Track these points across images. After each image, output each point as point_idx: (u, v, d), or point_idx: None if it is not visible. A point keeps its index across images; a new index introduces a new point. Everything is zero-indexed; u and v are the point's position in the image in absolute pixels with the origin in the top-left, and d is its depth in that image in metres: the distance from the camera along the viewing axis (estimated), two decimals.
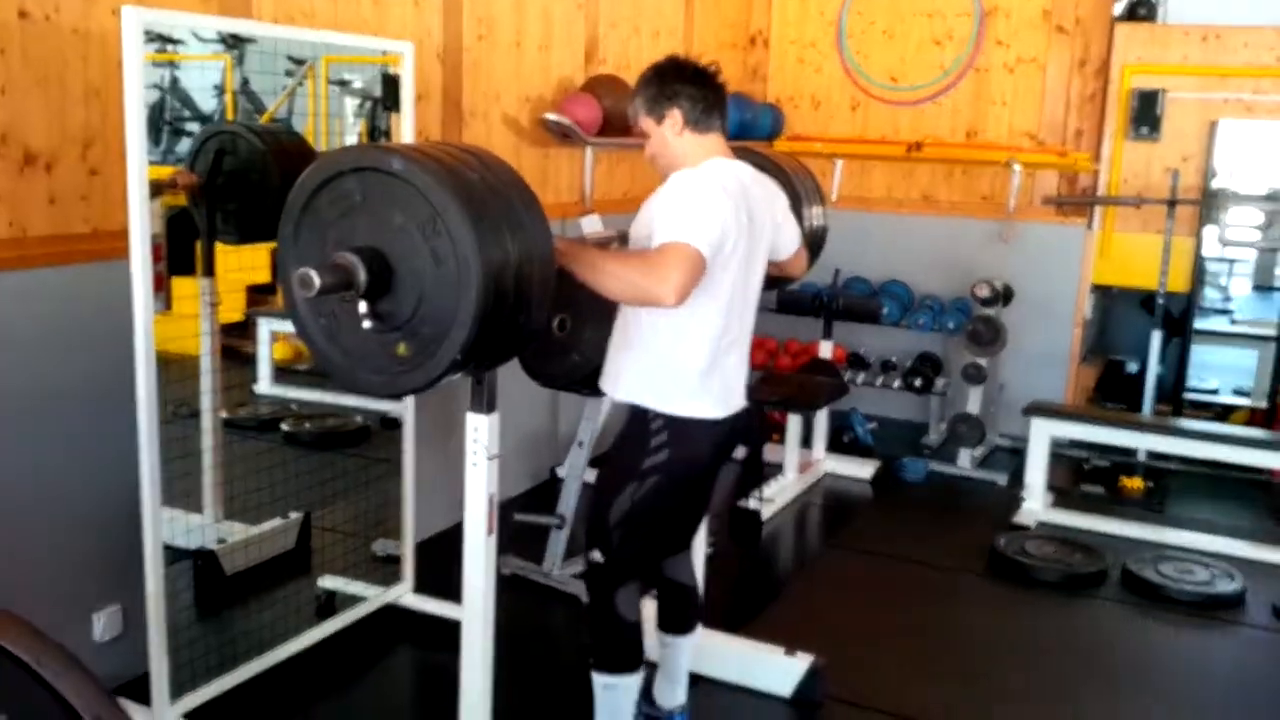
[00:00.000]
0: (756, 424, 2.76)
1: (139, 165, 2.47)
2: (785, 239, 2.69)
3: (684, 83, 2.46)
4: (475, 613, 2.29)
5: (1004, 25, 5.89)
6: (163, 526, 2.67)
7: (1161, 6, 5.69)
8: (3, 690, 1.14)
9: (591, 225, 2.61)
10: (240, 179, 3.42)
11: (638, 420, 2.49)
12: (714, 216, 2.30)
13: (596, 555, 2.56)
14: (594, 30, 4.85)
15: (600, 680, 2.61)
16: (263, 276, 4.67)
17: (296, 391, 4.92)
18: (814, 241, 3.21)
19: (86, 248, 2.78)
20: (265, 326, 4.81)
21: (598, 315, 2.64)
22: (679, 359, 2.43)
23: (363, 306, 1.91)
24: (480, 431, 2.20)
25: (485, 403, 2.19)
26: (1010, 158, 5.70)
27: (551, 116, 4.29)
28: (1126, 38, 5.60)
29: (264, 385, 4.74)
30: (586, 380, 3.55)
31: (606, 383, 2.56)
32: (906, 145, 5.97)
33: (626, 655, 2.60)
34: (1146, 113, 5.53)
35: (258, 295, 4.42)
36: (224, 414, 3.79)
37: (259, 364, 4.71)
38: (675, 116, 2.45)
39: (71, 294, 2.76)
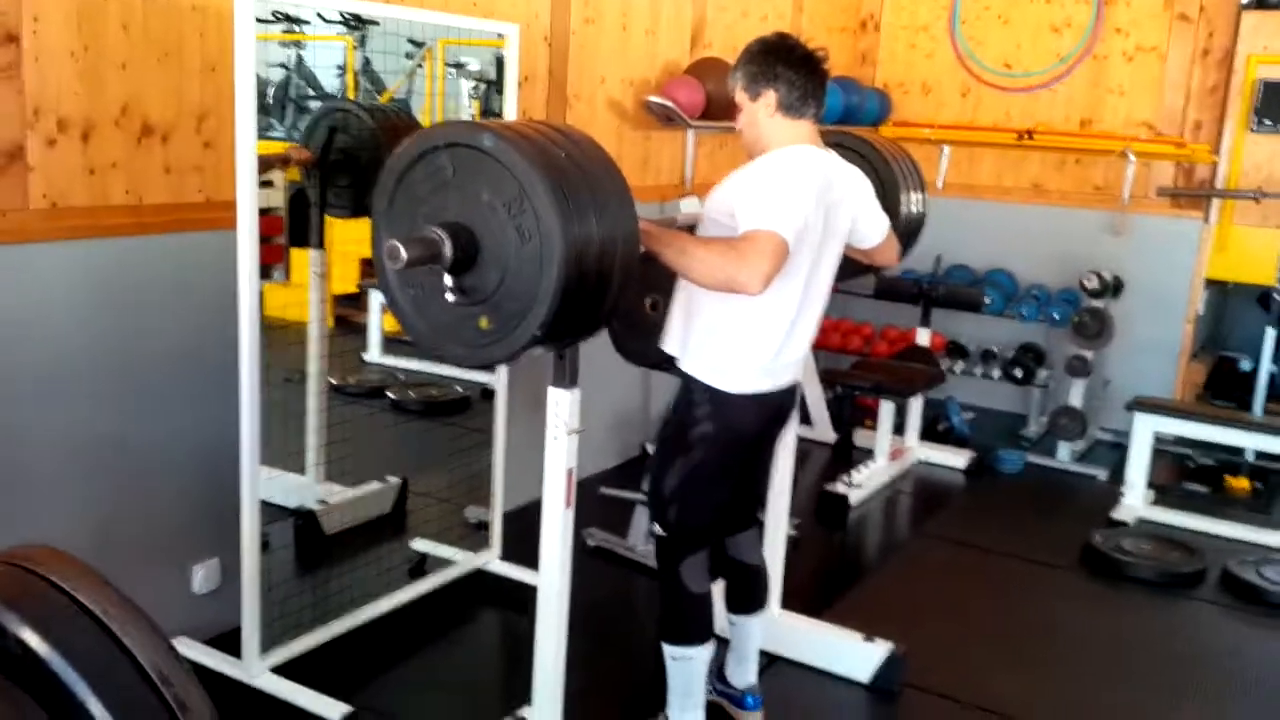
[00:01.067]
0: (845, 409, 2.78)
1: (248, 139, 2.59)
2: (869, 228, 2.69)
3: (786, 65, 2.46)
4: (551, 582, 2.35)
5: (1124, 13, 5.69)
6: (263, 485, 2.81)
7: None
8: (70, 637, 1.19)
9: (690, 206, 2.64)
10: (351, 155, 3.54)
11: (685, 391, 2.56)
12: (799, 204, 2.31)
13: (658, 529, 2.63)
14: (701, 13, 4.86)
15: (670, 652, 2.66)
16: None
17: (403, 361, 5.09)
18: (911, 228, 3.20)
19: (199, 216, 2.92)
20: (376, 298, 4.99)
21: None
22: (749, 342, 2.47)
23: (447, 280, 1.98)
24: (561, 406, 2.26)
25: (567, 378, 2.24)
26: (1126, 147, 5.54)
27: (654, 99, 4.33)
28: (1254, 27, 5.37)
29: (373, 354, 4.92)
30: (674, 362, 3.62)
31: (671, 345, 2.59)
32: (1017, 133, 5.83)
33: (694, 626, 2.64)
34: (1272, 104, 5.29)
35: (370, 268, 4.57)
36: (333, 380, 3.95)
37: (369, 333, 4.90)
38: (770, 98, 2.46)
39: (184, 260, 2.90)
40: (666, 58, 4.67)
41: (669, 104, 4.33)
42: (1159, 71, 5.65)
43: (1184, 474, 5.15)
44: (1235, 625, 3.69)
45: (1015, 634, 3.55)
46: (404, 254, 1.87)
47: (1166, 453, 5.19)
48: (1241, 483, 4.98)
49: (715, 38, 4.97)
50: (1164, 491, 4.84)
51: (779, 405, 2.64)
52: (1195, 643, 3.55)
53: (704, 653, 2.65)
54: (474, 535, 3.75)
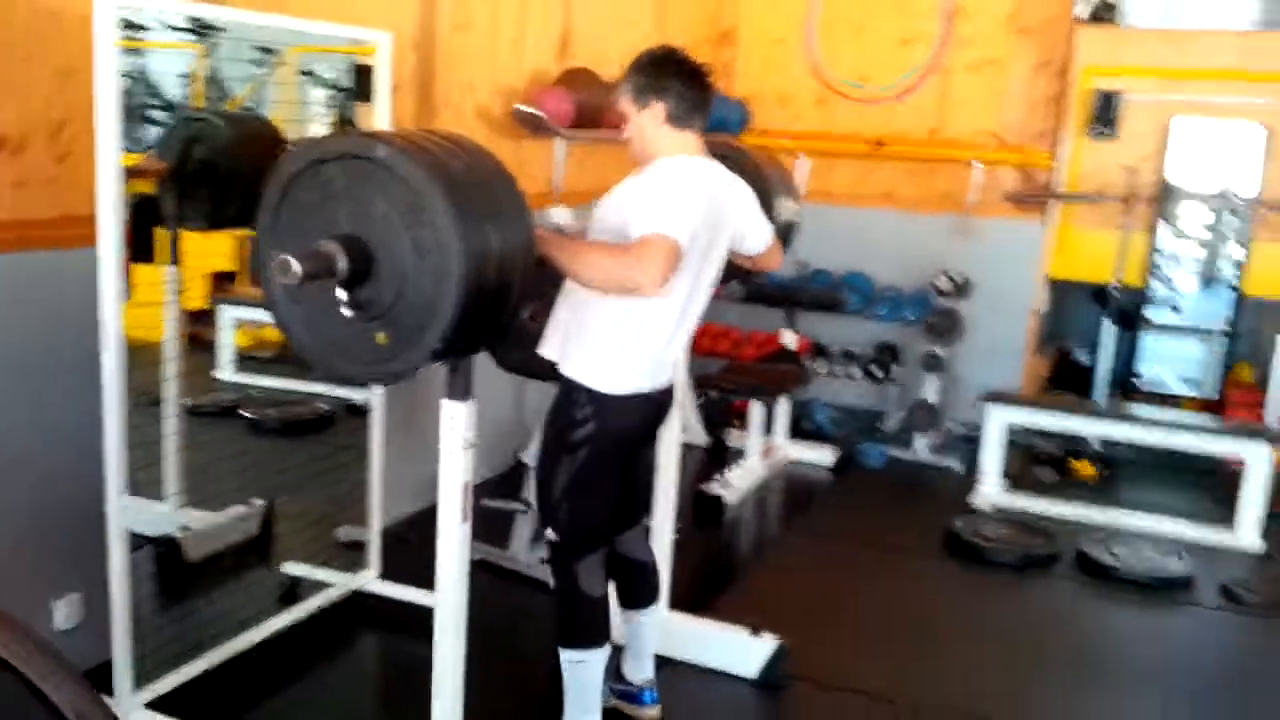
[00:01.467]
0: (716, 412, 2.84)
1: (111, 151, 2.48)
2: (754, 236, 2.78)
3: (674, 78, 2.52)
4: (449, 598, 2.32)
5: (969, 27, 5.97)
6: (110, 510, 2.68)
7: (1121, 9, 5.82)
8: None
9: (559, 216, 2.65)
10: (209, 166, 3.41)
11: (566, 394, 2.58)
12: (690, 211, 2.36)
13: (550, 534, 2.65)
14: (568, 24, 4.87)
15: (567, 656, 2.67)
16: (224, 264, 4.68)
17: (258, 378, 4.93)
18: (785, 233, 3.28)
19: (54, 233, 2.77)
20: (227, 314, 4.81)
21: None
22: (631, 344, 2.52)
23: (342, 295, 1.94)
24: (456, 419, 2.23)
25: (462, 391, 2.22)
26: (972, 156, 5.81)
27: (523, 108, 4.32)
28: (1088, 40, 5.71)
29: (226, 372, 4.74)
30: (555, 369, 3.61)
31: (550, 350, 2.63)
32: (870, 142, 6.05)
33: (591, 630, 2.66)
34: (1106, 113, 5.64)
35: (219, 283, 4.42)
36: (186, 400, 3.79)
37: (221, 351, 4.71)
38: (658, 109, 2.51)
39: (37, 280, 2.74)
40: (535, 66, 4.66)
41: (538, 113, 4.32)
42: (1002, 83, 5.95)
43: (1033, 462, 5.43)
44: (1091, 601, 3.92)
45: (890, 621, 3.69)
46: (297, 268, 1.82)
47: (1016, 443, 5.45)
48: (1087, 468, 5.29)
49: (582, 48, 4.99)
50: (1016, 479, 5.10)
51: (659, 404, 2.69)
52: (1057, 620, 3.76)
53: (601, 656, 2.67)
54: (348, 555, 3.65)
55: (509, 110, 4.48)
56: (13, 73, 2.64)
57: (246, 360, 4.99)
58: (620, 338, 2.51)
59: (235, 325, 4.94)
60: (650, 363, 2.57)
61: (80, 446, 2.65)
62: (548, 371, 3.48)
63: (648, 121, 2.51)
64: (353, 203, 1.94)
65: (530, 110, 4.33)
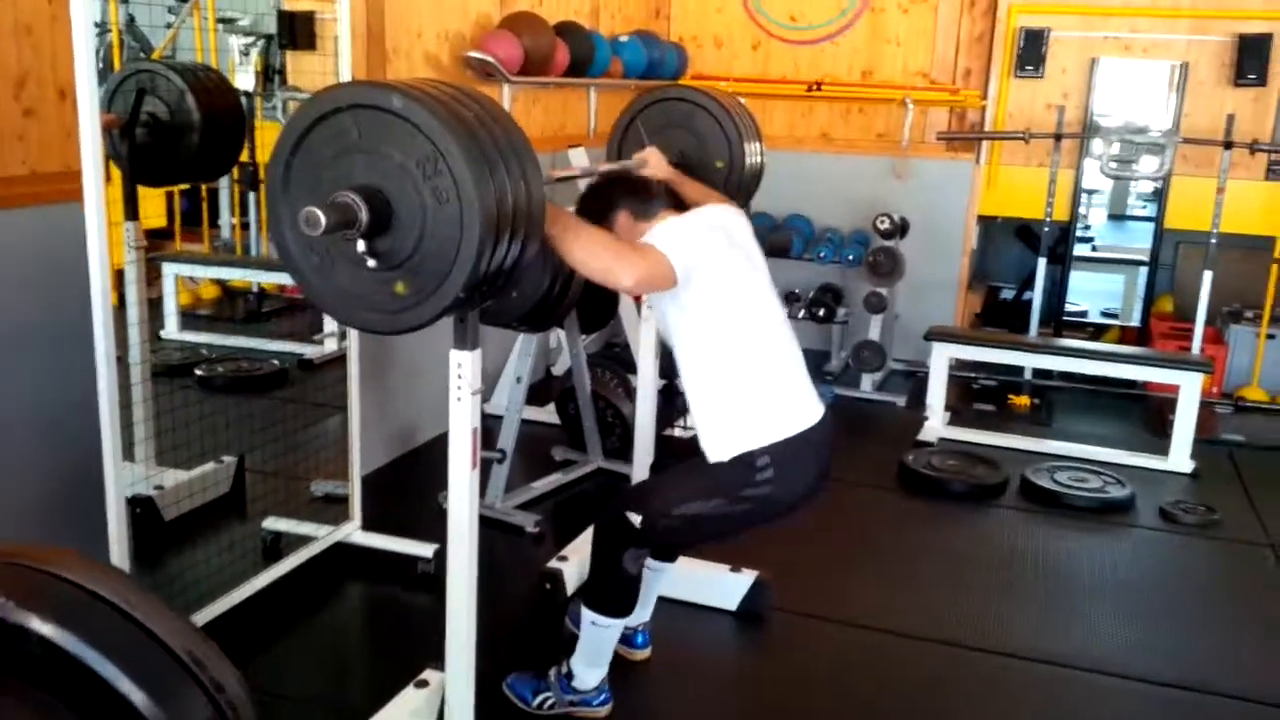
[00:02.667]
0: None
1: (90, 102, 2.41)
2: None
3: (617, 196, 2.65)
4: (461, 544, 2.36)
5: None
6: (106, 473, 2.65)
7: None
8: (97, 629, 1.15)
9: (578, 158, 2.69)
10: (161, 119, 3.34)
11: (743, 459, 2.48)
12: (694, 245, 2.45)
13: (634, 518, 2.57)
14: None
15: (591, 617, 2.69)
16: (157, 220, 4.58)
17: (204, 336, 4.86)
18: (753, 175, 3.35)
19: (24, 190, 2.71)
20: (170, 271, 4.72)
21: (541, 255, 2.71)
22: (744, 386, 2.51)
23: (361, 245, 1.94)
24: (464, 368, 2.25)
25: (469, 340, 2.24)
26: (904, 96, 5.93)
27: (475, 54, 4.28)
28: None
29: (171, 330, 4.67)
30: (526, 318, 3.64)
31: (712, 453, 2.52)
32: (807, 85, 6.13)
33: (622, 602, 2.69)
34: (1032, 51, 5.81)
35: (155, 240, 4.33)
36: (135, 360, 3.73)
37: (165, 309, 4.63)
38: (621, 220, 2.61)
39: (8, 238, 2.68)
40: (479, 10, 4.61)
41: (490, 58, 4.29)
42: (931, 23, 6.07)
43: (973, 396, 5.63)
44: (1041, 526, 4.11)
45: (856, 551, 3.84)
46: (323, 220, 1.82)
47: (956, 377, 5.66)
48: (1023, 400, 5.52)
49: None
50: (958, 413, 5.29)
51: (829, 467, 2.64)
52: (1010, 546, 3.94)
53: (622, 624, 2.72)
54: (325, 508, 3.66)
55: (456, 57, 4.44)
56: None
57: (190, 318, 4.92)
58: (742, 383, 2.51)
59: (178, 282, 4.86)
60: (790, 392, 2.57)
61: (64, 409, 2.62)
62: (519, 320, 3.52)
63: (623, 229, 2.59)
64: (368, 154, 1.93)
65: (482, 57, 4.29)
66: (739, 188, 3.29)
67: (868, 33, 6.18)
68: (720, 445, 2.50)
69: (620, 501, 2.67)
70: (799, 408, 2.56)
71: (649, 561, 2.95)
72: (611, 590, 2.68)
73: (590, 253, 2.32)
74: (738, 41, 6.40)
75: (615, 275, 2.32)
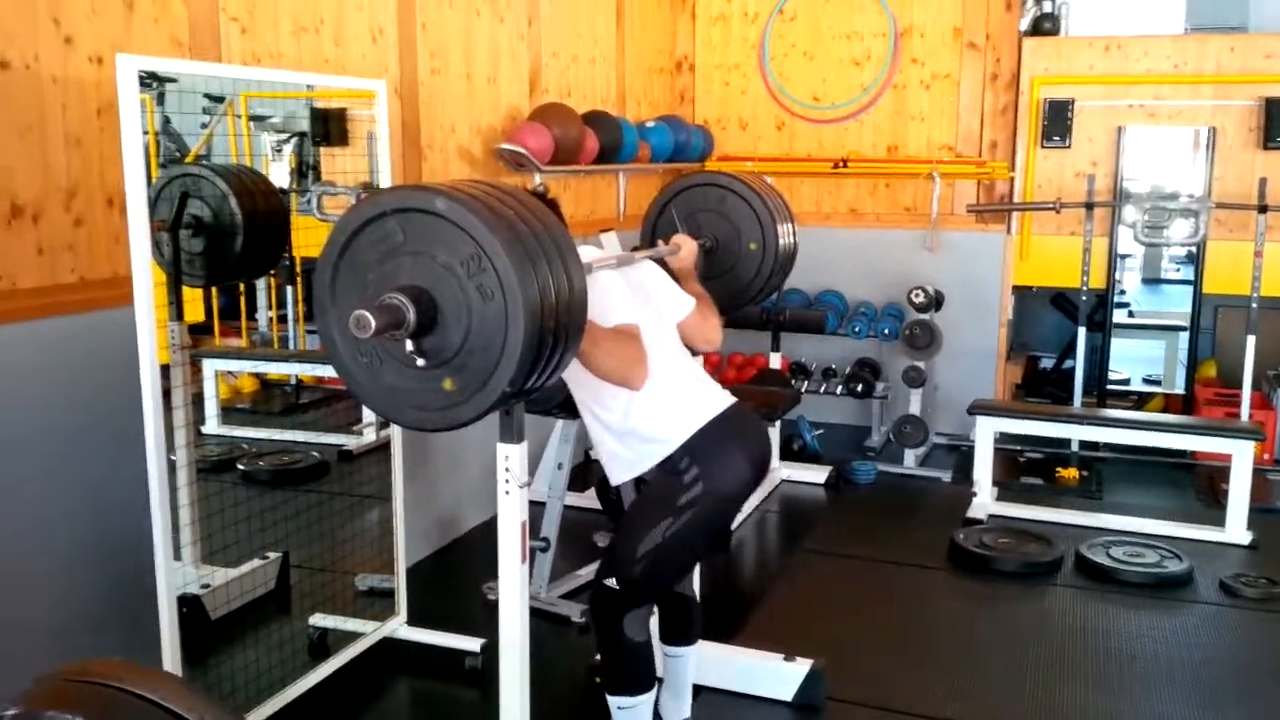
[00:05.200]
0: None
1: (140, 211, 2.46)
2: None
3: None
4: (513, 640, 2.33)
5: (919, 44, 6.15)
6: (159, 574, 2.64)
7: (1064, 20, 6.03)
8: None
9: (610, 242, 2.71)
10: (206, 220, 3.40)
11: (664, 468, 2.56)
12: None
13: (610, 583, 2.60)
14: (536, 60, 4.93)
15: (615, 703, 2.66)
16: (196, 314, 4.65)
17: (245, 430, 4.88)
18: (787, 257, 3.36)
19: (74, 297, 2.75)
20: (210, 366, 4.77)
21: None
22: (638, 402, 2.55)
23: (409, 345, 1.95)
24: (512, 460, 2.25)
25: (515, 433, 2.24)
26: (931, 169, 5.96)
27: (507, 146, 4.35)
28: (1034, 51, 5.91)
29: (211, 425, 4.69)
30: (565, 404, 3.63)
31: (614, 477, 2.69)
32: (833, 162, 6.18)
33: (638, 676, 2.65)
34: (1057, 121, 5.83)
35: (194, 335, 4.39)
36: (173, 457, 3.75)
37: (206, 404, 4.66)
38: None
39: (61, 345, 2.72)
40: (509, 104, 4.70)
41: (522, 150, 4.36)
42: (954, 97, 6.12)
43: (1020, 469, 5.55)
44: (1097, 605, 4.00)
45: (911, 636, 3.74)
46: (373, 323, 1.83)
47: (1000, 450, 5.57)
48: (1071, 472, 5.42)
49: (551, 83, 5.05)
50: (1005, 487, 5.20)
51: (760, 454, 2.67)
52: (1068, 625, 3.83)
53: (649, 699, 2.68)
54: (368, 602, 3.63)
55: (488, 149, 4.52)
56: (27, 144, 2.62)
57: (231, 413, 4.95)
58: (645, 396, 2.55)
59: (218, 378, 4.90)
60: (686, 397, 2.61)
61: (114, 511, 2.63)
62: (556, 407, 3.52)
63: None
64: (413, 255, 1.96)
65: (514, 148, 4.36)
66: (773, 269, 3.30)
67: (891, 109, 6.24)
68: (629, 466, 2.60)
69: (596, 578, 2.68)
70: (696, 407, 2.60)
71: (666, 649, 2.91)
72: (625, 664, 2.64)
73: (604, 363, 2.40)
74: (762, 122, 6.47)
75: (630, 384, 2.47)
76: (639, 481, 2.68)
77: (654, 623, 2.90)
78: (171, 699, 1.10)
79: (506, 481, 2.27)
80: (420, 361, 1.94)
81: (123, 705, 1.09)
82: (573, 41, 5.26)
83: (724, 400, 2.66)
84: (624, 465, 2.62)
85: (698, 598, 3.00)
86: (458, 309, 1.95)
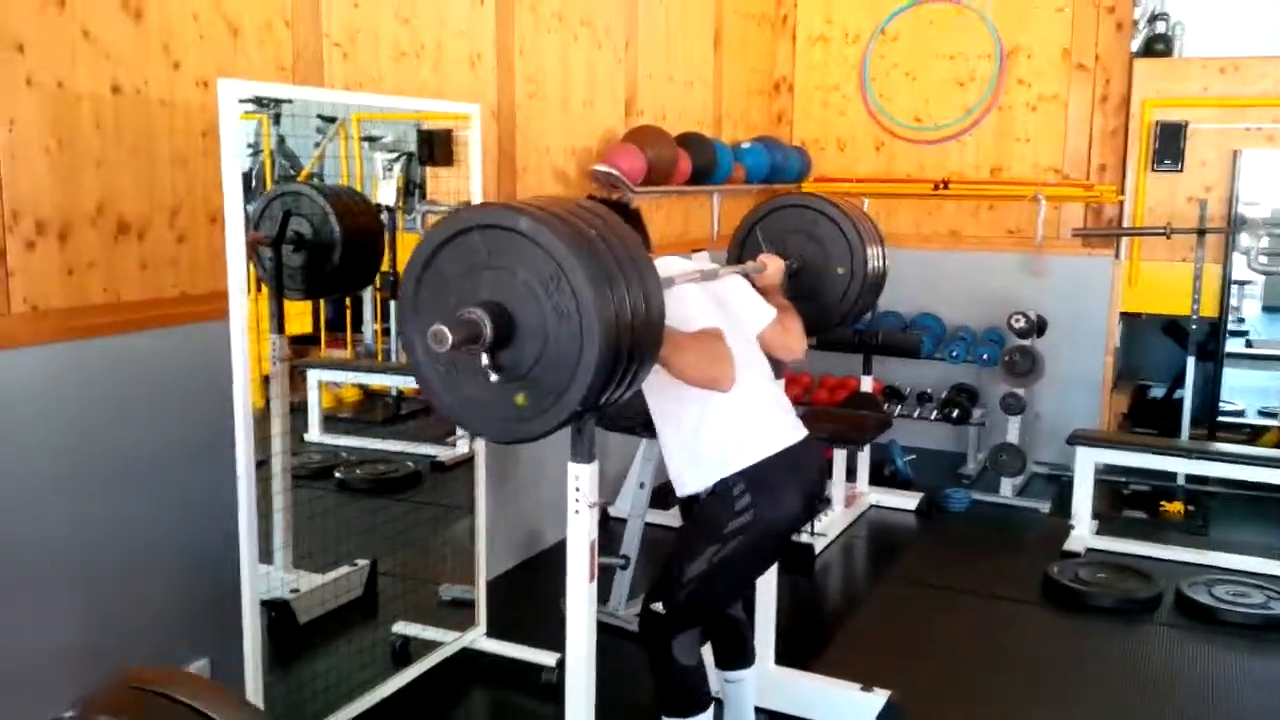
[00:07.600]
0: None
1: (238, 229, 2.55)
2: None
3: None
4: (580, 658, 2.34)
5: (1025, 65, 6.02)
6: (243, 577, 2.73)
7: (1178, 41, 5.84)
8: None
9: (701, 263, 2.73)
10: (306, 236, 3.53)
11: (718, 491, 2.55)
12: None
13: (657, 607, 2.59)
14: (633, 83, 4.98)
15: None
16: (302, 326, 4.79)
17: (346, 439, 5.01)
18: (876, 281, 3.32)
19: (176, 311, 2.87)
20: (313, 376, 4.91)
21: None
22: (709, 420, 2.55)
23: (485, 359, 1.98)
24: (582, 480, 2.27)
25: (585, 452, 2.26)
26: (1037, 192, 5.83)
27: (600, 168, 4.40)
28: (1146, 73, 5.73)
29: (313, 434, 4.83)
30: (647, 423, 3.64)
31: (680, 488, 2.67)
32: (933, 183, 6.09)
33: (693, 698, 2.63)
34: (1170, 145, 5.64)
35: (301, 345, 4.54)
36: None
37: (309, 413, 4.80)
38: None
39: (163, 357, 2.84)
40: (605, 126, 4.76)
41: (614, 171, 4.40)
42: (1062, 119, 5.97)
43: (1122, 501, 5.36)
44: (1197, 646, 3.84)
45: (996, 670, 3.64)
46: (450, 337, 1.87)
47: (1102, 481, 5.40)
48: (1176, 506, 5.22)
49: (646, 105, 5.09)
50: (1106, 520, 5.03)
51: (816, 470, 2.68)
52: (1164, 666, 3.69)
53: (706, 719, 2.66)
54: (450, 612, 3.69)
55: (582, 170, 4.58)
56: (135, 165, 2.75)
57: (332, 421, 5.09)
58: (706, 419, 2.55)
59: (321, 387, 5.05)
60: (757, 420, 2.59)
61: (211, 515, 2.72)
62: (641, 426, 3.53)
63: None
64: (494, 271, 1.99)
65: (608, 170, 4.41)
66: (860, 292, 3.26)
67: (995, 130, 6.12)
68: (695, 478, 2.59)
69: (644, 602, 2.67)
70: (766, 435, 2.58)
71: (724, 674, 2.88)
72: (678, 688, 2.63)
73: (690, 366, 2.37)
74: (861, 143, 6.41)
75: (719, 385, 2.41)
76: (691, 502, 2.66)
77: (707, 649, 2.88)
78: (219, 712, 1.14)
79: (576, 501, 2.28)
80: (494, 377, 1.97)
81: (167, 715, 1.13)
82: (669, 64, 5.30)
83: (794, 435, 2.64)
84: (690, 478, 2.62)
85: (745, 617, 2.97)
86: (534, 326, 1.97)
